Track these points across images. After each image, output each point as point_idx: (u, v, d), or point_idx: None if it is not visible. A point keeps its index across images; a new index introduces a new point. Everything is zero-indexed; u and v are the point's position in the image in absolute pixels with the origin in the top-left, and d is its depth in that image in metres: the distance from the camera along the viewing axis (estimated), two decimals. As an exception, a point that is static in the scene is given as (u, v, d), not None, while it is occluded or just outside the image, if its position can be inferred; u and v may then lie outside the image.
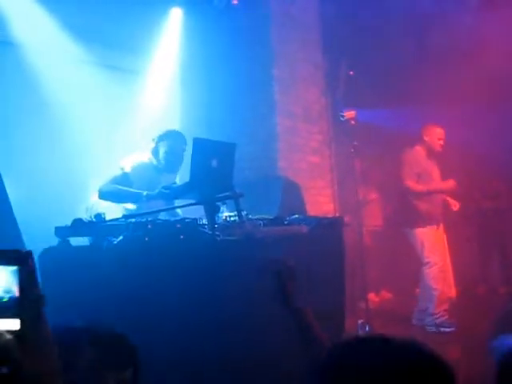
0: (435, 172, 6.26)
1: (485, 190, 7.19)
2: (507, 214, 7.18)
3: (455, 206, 6.30)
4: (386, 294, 7.59)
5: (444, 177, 6.26)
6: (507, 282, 7.14)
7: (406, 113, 7.00)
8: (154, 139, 4.55)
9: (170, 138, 4.53)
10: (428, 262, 6.00)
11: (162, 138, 4.53)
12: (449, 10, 6.87)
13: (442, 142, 6.19)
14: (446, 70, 6.80)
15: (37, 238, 3.64)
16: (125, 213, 4.06)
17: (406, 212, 6.18)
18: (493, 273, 7.57)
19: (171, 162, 4.53)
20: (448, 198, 6.29)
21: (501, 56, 6.54)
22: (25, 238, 3.86)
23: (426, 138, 6.20)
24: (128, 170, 4.42)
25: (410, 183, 6.07)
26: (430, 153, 6.21)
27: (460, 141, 6.37)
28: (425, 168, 6.18)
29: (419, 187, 6.10)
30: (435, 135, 6.19)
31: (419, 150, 6.23)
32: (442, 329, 5.83)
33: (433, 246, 6.04)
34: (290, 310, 2.24)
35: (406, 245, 6.40)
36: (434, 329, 5.88)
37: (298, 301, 2.25)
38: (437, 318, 5.89)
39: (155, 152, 4.54)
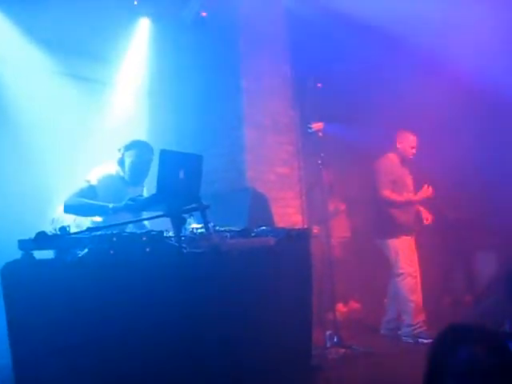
0: (409, 180, 6.26)
1: (448, 201, 7.26)
2: (470, 224, 7.28)
3: (427, 219, 6.27)
4: (354, 305, 7.63)
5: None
6: (471, 292, 7.22)
7: (374, 125, 7.06)
8: (119, 149, 4.49)
9: (136, 148, 4.46)
10: (402, 273, 5.99)
11: (127, 148, 4.47)
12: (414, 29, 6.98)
13: (414, 150, 6.21)
14: (414, 84, 6.88)
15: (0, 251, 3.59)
16: (91, 225, 4.02)
17: (380, 222, 6.17)
18: (457, 284, 7.64)
19: (137, 173, 4.46)
20: (422, 210, 6.29)
21: (467, 70, 6.65)
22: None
23: (399, 146, 6.21)
24: (94, 182, 4.35)
25: (387, 192, 6.04)
26: (404, 160, 6.22)
27: (424, 152, 6.42)
28: (399, 175, 6.18)
29: (396, 196, 6.07)
30: (408, 142, 6.21)
31: (393, 158, 6.23)
32: (420, 340, 5.79)
33: (407, 256, 6.04)
34: None
35: (374, 255, 6.44)
36: (410, 339, 5.87)
37: None
38: (414, 329, 5.88)
39: (121, 162, 4.47)
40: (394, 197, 6.07)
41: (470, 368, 1.59)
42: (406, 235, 6.10)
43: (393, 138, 6.28)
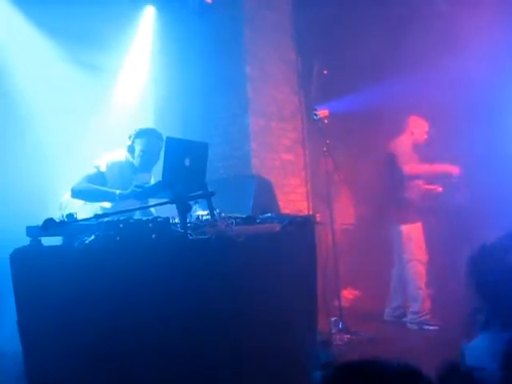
0: None
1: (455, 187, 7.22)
2: (476, 210, 7.26)
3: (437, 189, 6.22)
4: (359, 291, 7.64)
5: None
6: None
7: (383, 109, 7.03)
8: (130, 137, 4.51)
9: (147, 136, 4.49)
10: (412, 260, 5.97)
11: (138, 135, 4.49)
12: (421, 12, 6.95)
13: (426, 136, 6.19)
14: (419, 71, 6.86)
15: (8, 237, 3.62)
16: (100, 212, 4.06)
17: (393, 208, 6.12)
18: (462, 270, 7.63)
19: (147, 161, 4.49)
20: (430, 187, 6.22)
21: (472, 58, 6.62)
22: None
23: (414, 130, 6.16)
24: (103, 168, 4.40)
25: (409, 167, 5.98)
26: (415, 145, 6.15)
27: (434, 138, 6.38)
28: (411, 158, 6.11)
29: (422, 168, 6.03)
30: (422, 127, 6.18)
31: (406, 142, 6.16)
32: (426, 326, 5.82)
33: (419, 243, 6.01)
34: None
35: (379, 242, 6.44)
36: (415, 326, 5.88)
37: None
38: (420, 316, 5.89)
39: (131, 150, 4.51)
40: (421, 169, 6.03)
41: None
42: (418, 221, 6.05)
43: (405, 123, 6.22)
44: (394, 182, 6.11)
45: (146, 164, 4.52)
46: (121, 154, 4.54)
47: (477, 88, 6.70)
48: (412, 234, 6.02)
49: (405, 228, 6.04)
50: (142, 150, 4.47)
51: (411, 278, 6.00)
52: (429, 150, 6.26)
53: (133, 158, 4.51)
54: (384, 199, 6.32)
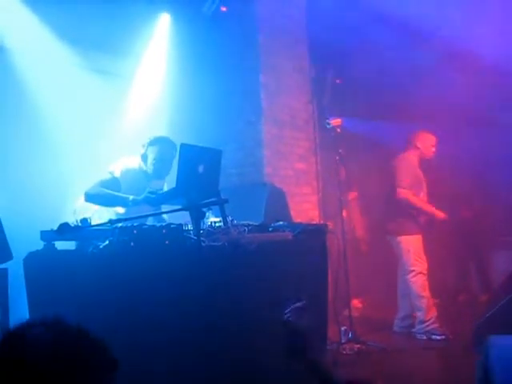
0: (424, 180, 6.19)
1: (463, 199, 7.22)
2: (480, 222, 7.26)
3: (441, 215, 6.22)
4: (369, 301, 7.62)
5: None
6: (486, 289, 7.20)
7: (391, 123, 7.04)
8: (143, 145, 4.52)
9: (160, 144, 4.49)
10: (413, 270, 5.97)
11: (151, 143, 4.49)
12: (437, 26, 6.97)
13: (433, 150, 6.17)
14: (432, 85, 6.87)
15: (22, 241, 3.65)
16: (115, 217, 4.09)
17: (395, 219, 6.12)
18: (472, 281, 7.63)
19: (160, 169, 4.49)
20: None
21: (489, 72, 6.63)
22: (10, 241, 3.86)
23: (419, 145, 6.13)
24: (117, 174, 4.41)
25: (405, 193, 5.99)
26: (422, 161, 6.17)
27: (437, 154, 6.38)
28: (416, 176, 6.12)
29: (413, 199, 6.03)
30: (429, 142, 6.16)
31: (412, 158, 6.16)
32: (434, 336, 5.81)
33: (418, 254, 6.02)
34: (305, 363, 2.06)
35: (389, 252, 6.44)
36: (424, 336, 5.87)
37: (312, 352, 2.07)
38: (427, 326, 5.87)
39: (144, 158, 4.51)
40: (412, 199, 6.03)
41: None
42: (419, 233, 6.07)
43: (412, 138, 6.20)
44: (394, 195, 6.09)
45: (159, 172, 4.52)
46: (135, 161, 4.55)
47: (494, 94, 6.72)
48: (411, 246, 6.04)
49: (404, 239, 6.07)
50: (154, 158, 4.47)
51: (412, 288, 6.01)
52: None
53: (146, 165, 4.53)
54: (385, 211, 6.32)
